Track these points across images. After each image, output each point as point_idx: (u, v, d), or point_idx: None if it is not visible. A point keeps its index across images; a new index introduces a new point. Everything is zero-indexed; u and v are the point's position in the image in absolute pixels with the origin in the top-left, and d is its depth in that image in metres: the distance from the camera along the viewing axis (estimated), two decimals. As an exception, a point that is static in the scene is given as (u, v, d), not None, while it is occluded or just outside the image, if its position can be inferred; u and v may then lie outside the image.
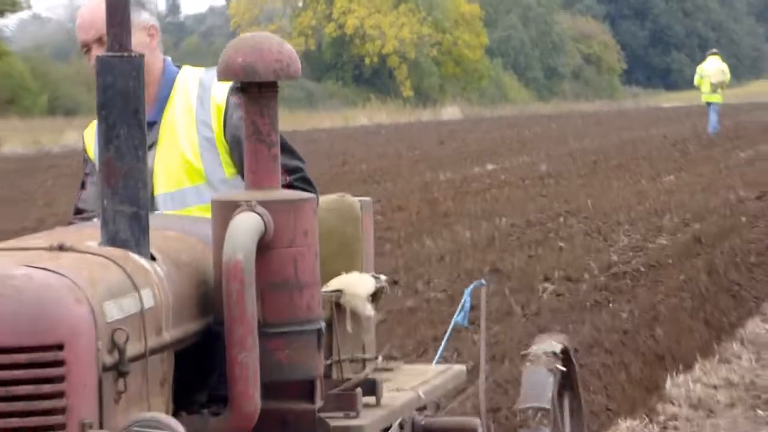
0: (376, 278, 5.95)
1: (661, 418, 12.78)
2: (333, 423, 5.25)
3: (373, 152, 49.26)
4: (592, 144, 51.17)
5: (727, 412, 13.03)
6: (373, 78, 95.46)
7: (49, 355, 4.32)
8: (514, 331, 15.52)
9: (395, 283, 19.09)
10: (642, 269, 19.78)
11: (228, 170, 6.32)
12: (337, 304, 5.53)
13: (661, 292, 18.07)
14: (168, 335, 4.98)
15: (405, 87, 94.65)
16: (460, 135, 60.66)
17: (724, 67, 53.95)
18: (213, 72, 5.86)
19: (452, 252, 22.75)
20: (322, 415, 5.24)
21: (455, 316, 7.66)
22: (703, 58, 56.80)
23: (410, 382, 6.04)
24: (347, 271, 5.86)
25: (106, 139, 4.99)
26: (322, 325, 5.29)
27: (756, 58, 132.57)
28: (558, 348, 7.77)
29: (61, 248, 4.82)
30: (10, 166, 48.37)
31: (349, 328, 5.53)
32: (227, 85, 6.09)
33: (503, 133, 60.18)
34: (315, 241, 5.33)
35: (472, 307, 8.12)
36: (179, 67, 6.61)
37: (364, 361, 5.53)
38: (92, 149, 6.19)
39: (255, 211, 5.09)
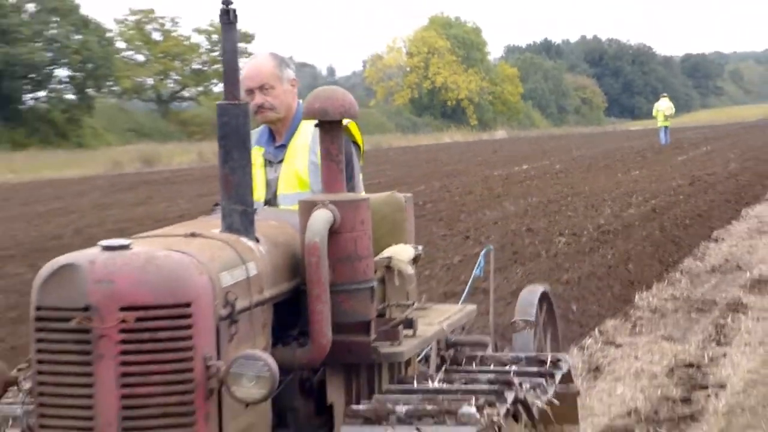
0: (415, 248, 5.55)
1: (633, 318, 12.67)
2: (382, 350, 4.92)
3: (453, 159, 48.77)
4: (587, 153, 50.49)
5: (673, 315, 12.86)
6: (452, 114, 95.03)
7: (181, 311, 4.07)
8: (541, 267, 15.49)
9: (467, 237, 19.20)
10: (619, 228, 19.55)
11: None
12: (388, 267, 5.16)
13: (631, 242, 17.84)
14: (267, 293, 4.65)
15: (472, 119, 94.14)
16: (506, 148, 60.33)
17: (671, 104, 53.80)
18: None
19: (502, 218, 22.43)
20: (375, 344, 4.91)
21: (474, 270, 7.20)
22: (656, 99, 56.75)
23: (438, 318, 5.67)
24: (395, 243, 5.47)
25: (223, 160, 4.64)
26: (375, 283, 4.95)
27: (687, 100, 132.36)
28: (541, 289, 7.31)
29: (193, 235, 4.54)
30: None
31: (396, 282, 5.15)
32: None
33: (532, 147, 59.81)
34: (369, 227, 4.97)
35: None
36: None
37: (406, 305, 5.12)
38: None
39: (327, 208, 4.76)
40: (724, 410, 8.76)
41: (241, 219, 4.60)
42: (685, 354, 10.77)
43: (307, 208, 4.81)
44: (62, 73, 65.87)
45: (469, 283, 7.28)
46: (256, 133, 6.00)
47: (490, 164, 43.41)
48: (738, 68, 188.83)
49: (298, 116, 5.89)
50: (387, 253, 5.20)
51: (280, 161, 5.88)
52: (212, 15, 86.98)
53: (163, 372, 4.02)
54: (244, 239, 4.57)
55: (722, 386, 9.49)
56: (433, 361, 5.80)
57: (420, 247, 5.61)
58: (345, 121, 5.16)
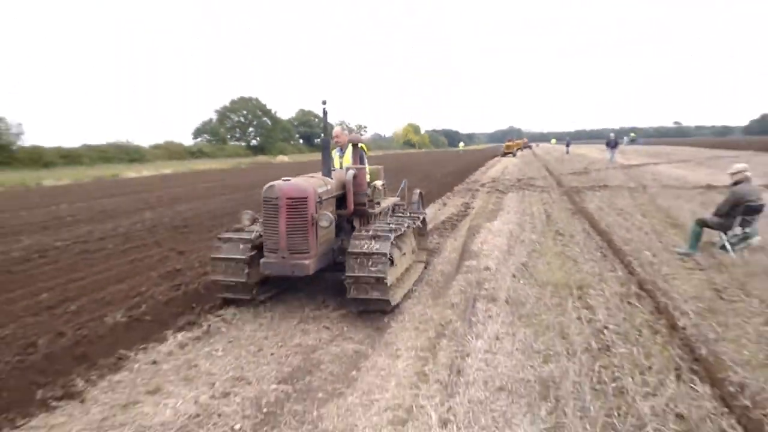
0: (383, 181, 4.75)
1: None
2: (370, 211, 4.19)
3: (412, 158, 42.13)
4: (448, 157, 38.80)
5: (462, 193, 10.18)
6: (413, 146, 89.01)
7: (304, 200, 3.41)
8: (433, 182, 12.26)
9: (413, 175, 14.90)
10: (453, 174, 15.14)
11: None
12: (375, 186, 4.40)
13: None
14: (333, 194, 3.87)
15: (418, 147, 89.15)
16: (425, 155, 53.26)
17: (463, 143, 48.07)
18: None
19: (423, 170, 18.02)
20: (367, 209, 4.16)
21: (401, 186, 5.97)
22: (458, 143, 51.47)
23: (390, 201, 4.83)
24: (376, 180, 4.65)
25: (323, 156, 3.87)
26: (369, 191, 4.20)
27: (454, 143, 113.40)
28: (420, 191, 6.25)
29: (312, 176, 3.78)
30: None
31: (376, 190, 4.40)
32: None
33: (432, 155, 53.20)
34: (365, 175, 4.19)
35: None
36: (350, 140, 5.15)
37: (379, 197, 4.43)
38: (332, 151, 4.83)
39: (354, 170, 4.02)
40: (473, 214, 7.78)
41: (326, 171, 3.90)
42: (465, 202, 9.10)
43: (347, 169, 4.10)
44: (303, 131, 61.31)
45: (398, 191, 6.23)
46: (336, 149, 4.99)
47: (421, 159, 39.42)
48: (476, 135, 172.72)
49: (346, 144, 4.97)
50: (374, 182, 4.49)
51: (342, 156, 4.92)
52: (339, 118, 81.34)
53: (298, 218, 3.46)
54: (327, 178, 3.88)
55: (472, 208, 8.43)
56: (390, 211, 5.09)
57: (385, 182, 4.81)
58: (360, 144, 4.42)
